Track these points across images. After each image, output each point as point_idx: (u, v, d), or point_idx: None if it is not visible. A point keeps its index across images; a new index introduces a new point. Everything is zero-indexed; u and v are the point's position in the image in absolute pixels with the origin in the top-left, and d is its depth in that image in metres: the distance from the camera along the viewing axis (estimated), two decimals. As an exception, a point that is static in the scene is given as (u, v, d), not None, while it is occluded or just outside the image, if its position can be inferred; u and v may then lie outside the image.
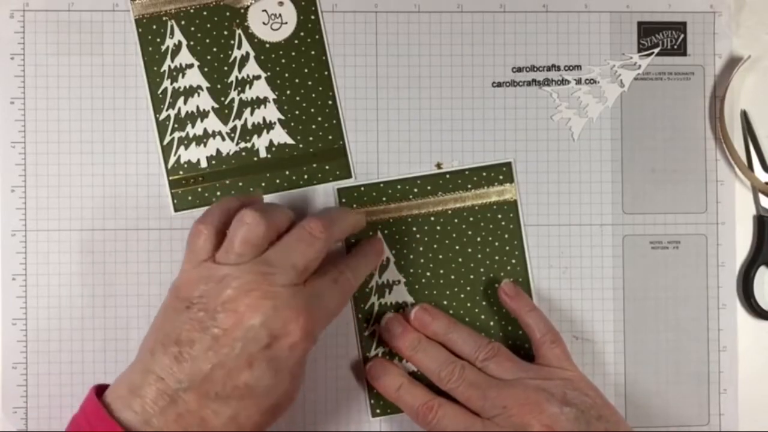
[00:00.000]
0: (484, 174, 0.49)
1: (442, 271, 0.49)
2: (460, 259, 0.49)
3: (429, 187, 0.49)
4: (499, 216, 0.49)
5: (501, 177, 0.49)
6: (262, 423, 0.38)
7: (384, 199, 0.49)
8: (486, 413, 0.43)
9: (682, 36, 0.50)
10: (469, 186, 0.49)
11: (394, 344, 0.47)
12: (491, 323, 0.49)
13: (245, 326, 0.36)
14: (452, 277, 0.49)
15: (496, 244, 0.49)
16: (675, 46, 0.50)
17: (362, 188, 0.49)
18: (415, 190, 0.49)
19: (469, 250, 0.49)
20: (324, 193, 0.49)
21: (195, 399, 0.36)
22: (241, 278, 0.37)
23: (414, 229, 0.49)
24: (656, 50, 0.50)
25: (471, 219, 0.49)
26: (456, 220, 0.49)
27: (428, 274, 0.49)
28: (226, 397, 0.36)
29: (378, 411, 0.49)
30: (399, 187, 0.49)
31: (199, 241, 0.39)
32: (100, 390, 0.38)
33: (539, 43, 0.50)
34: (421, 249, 0.49)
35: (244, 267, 0.38)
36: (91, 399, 0.37)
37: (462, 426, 0.42)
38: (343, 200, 0.49)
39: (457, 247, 0.49)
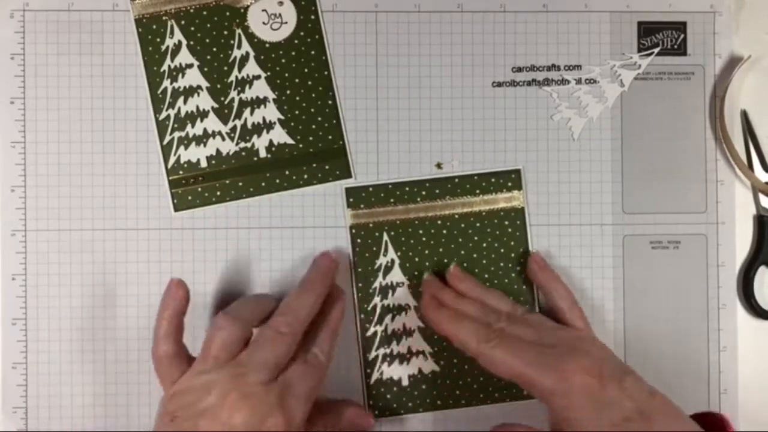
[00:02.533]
0: (493, 180, 0.49)
1: (446, 276, 0.49)
2: (464, 264, 0.49)
3: (437, 191, 0.49)
4: (506, 222, 0.49)
5: (510, 184, 0.49)
6: None
7: (391, 200, 0.49)
8: (543, 342, 0.43)
9: (682, 36, 0.50)
10: (478, 191, 0.49)
11: (438, 295, 0.46)
12: (491, 323, 0.49)
13: (227, 427, 0.38)
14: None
15: (502, 250, 0.49)
16: (675, 46, 0.50)
17: (370, 189, 0.49)
18: (423, 192, 0.49)
19: (475, 255, 0.49)
20: (325, 193, 0.49)
21: None
22: (218, 383, 0.40)
23: (420, 231, 0.49)
24: (656, 50, 0.50)
25: (478, 224, 0.49)
26: (462, 225, 0.49)
27: (430, 275, 0.49)
28: None
29: (377, 413, 0.49)
30: (407, 189, 0.49)
31: (165, 365, 0.42)
32: None
33: (539, 43, 0.50)
34: (426, 252, 0.49)
35: (221, 371, 0.40)
36: None
37: (521, 347, 0.42)
38: (351, 199, 0.49)
39: (462, 252, 0.49)
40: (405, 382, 0.49)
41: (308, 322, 0.44)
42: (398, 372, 0.49)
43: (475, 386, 0.49)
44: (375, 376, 0.49)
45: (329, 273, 0.46)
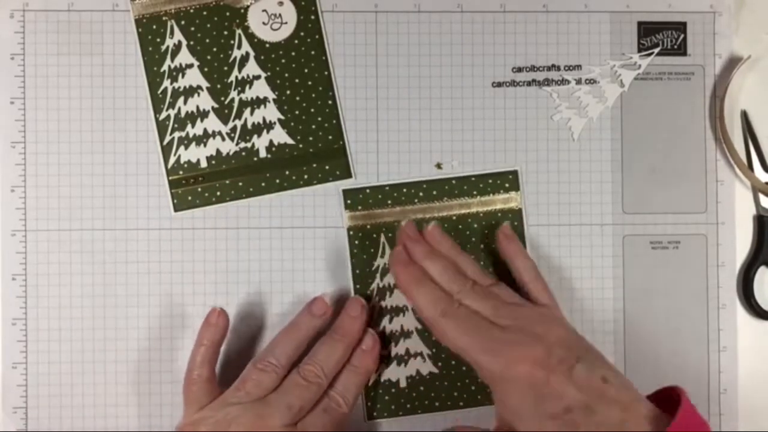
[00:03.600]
0: (490, 181, 0.49)
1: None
2: (460, 261, 0.49)
3: (434, 192, 0.49)
4: (504, 224, 0.49)
5: (507, 185, 0.49)
6: None
7: (389, 202, 0.49)
8: (497, 322, 0.42)
9: (682, 36, 0.50)
10: (475, 192, 0.49)
11: (410, 247, 0.45)
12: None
13: None
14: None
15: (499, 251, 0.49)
16: (675, 46, 0.50)
17: (367, 190, 0.49)
18: (420, 194, 0.49)
19: (472, 256, 0.49)
20: (325, 193, 0.49)
21: None
22: (241, 418, 0.42)
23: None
24: (656, 50, 0.50)
25: (475, 225, 0.49)
26: (460, 226, 0.49)
27: (428, 274, 0.49)
28: None
29: (375, 414, 0.49)
30: (404, 190, 0.49)
31: (194, 392, 0.44)
32: None
33: (539, 43, 0.50)
34: None
35: (247, 406, 0.42)
36: None
37: (474, 325, 0.41)
38: (348, 201, 0.49)
39: None
40: (403, 384, 0.49)
41: (337, 371, 0.45)
42: (396, 374, 0.49)
43: (473, 388, 0.49)
44: (373, 377, 0.49)
45: (359, 320, 0.46)
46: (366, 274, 0.49)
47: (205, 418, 0.43)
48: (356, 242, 0.48)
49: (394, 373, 0.49)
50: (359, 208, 0.49)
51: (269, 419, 0.42)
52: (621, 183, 0.50)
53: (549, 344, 0.40)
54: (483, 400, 0.49)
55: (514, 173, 0.49)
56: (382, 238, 0.48)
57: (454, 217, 0.49)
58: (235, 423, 0.42)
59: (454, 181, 0.49)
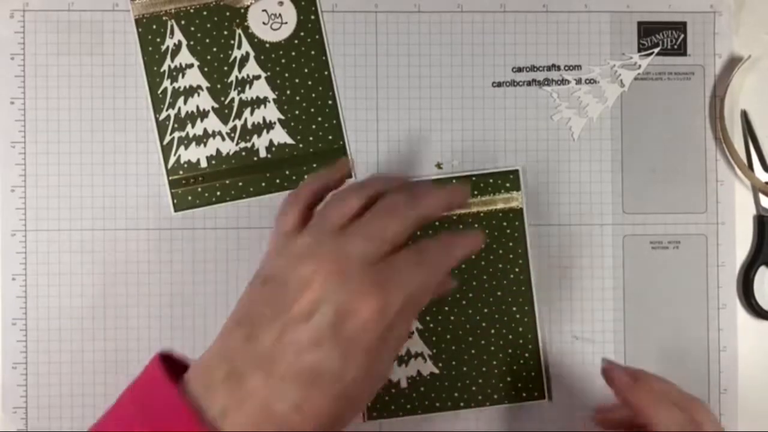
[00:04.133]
0: (491, 181, 0.49)
1: None
2: (463, 266, 0.49)
3: None
4: (505, 223, 0.49)
5: (508, 185, 0.49)
6: (331, 417, 0.34)
7: (385, 199, 0.49)
8: None
9: (682, 36, 0.50)
10: (476, 192, 0.49)
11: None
12: (492, 330, 0.49)
13: (314, 302, 0.33)
14: (454, 282, 0.49)
15: (500, 251, 0.49)
16: (675, 46, 0.50)
17: (363, 188, 0.49)
18: None
19: (473, 256, 0.49)
20: (324, 193, 0.49)
21: (261, 379, 0.33)
22: (318, 253, 0.35)
23: (418, 233, 0.49)
24: (656, 50, 0.50)
25: (476, 225, 0.49)
26: (461, 226, 0.49)
27: (428, 274, 0.49)
28: (291, 380, 0.33)
29: (375, 414, 0.49)
30: None
31: (286, 217, 0.38)
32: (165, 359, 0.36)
33: (539, 43, 0.50)
34: None
35: (324, 241, 0.35)
36: (156, 367, 0.36)
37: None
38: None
39: None
40: (403, 384, 0.49)
41: (430, 218, 0.37)
42: (397, 374, 0.49)
43: (473, 388, 0.49)
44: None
45: (462, 203, 0.40)
46: (366, 274, 0.49)
47: (273, 255, 0.37)
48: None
49: (394, 373, 0.49)
50: (359, 208, 0.49)
51: (348, 250, 0.34)
52: (621, 183, 0.50)
53: None
54: (483, 400, 0.49)
55: (515, 173, 0.49)
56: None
57: (455, 217, 0.49)
58: (310, 259, 0.34)
59: (454, 181, 0.49)
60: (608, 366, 0.41)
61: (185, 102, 0.48)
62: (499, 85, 0.49)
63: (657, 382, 0.40)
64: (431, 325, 0.49)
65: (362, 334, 0.33)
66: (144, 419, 0.34)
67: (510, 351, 0.48)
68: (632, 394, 0.39)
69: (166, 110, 0.48)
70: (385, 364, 0.35)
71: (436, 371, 0.49)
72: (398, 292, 0.34)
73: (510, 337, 0.49)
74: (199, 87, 0.49)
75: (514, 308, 0.49)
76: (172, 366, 0.36)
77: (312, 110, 0.49)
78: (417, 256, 0.36)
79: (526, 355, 0.49)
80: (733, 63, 0.50)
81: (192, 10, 0.49)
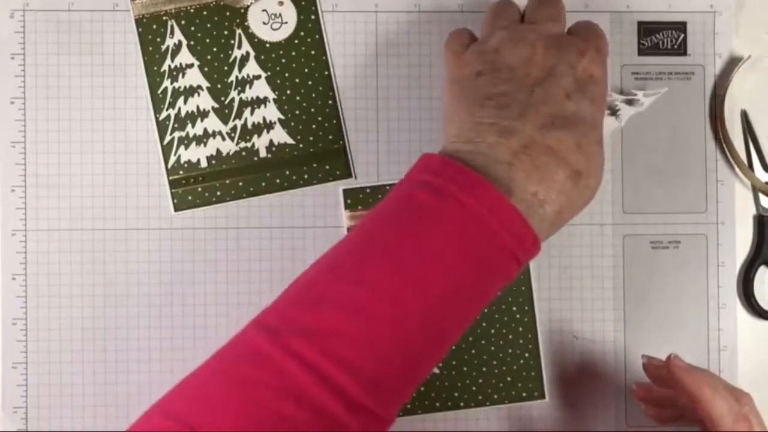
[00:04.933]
0: (486, 175, 0.49)
1: None
2: (460, 260, 0.49)
3: None
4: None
5: None
6: (598, 155, 0.39)
7: (385, 199, 0.49)
8: None
9: (682, 36, 0.50)
10: None
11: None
12: (492, 330, 0.49)
13: (548, 68, 0.39)
14: None
15: None
16: (675, 46, 0.50)
17: (367, 190, 0.49)
18: None
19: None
20: (325, 193, 0.49)
21: (533, 129, 0.38)
22: (524, 36, 0.41)
23: None
24: (656, 50, 0.50)
25: None
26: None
27: (428, 274, 0.49)
28: (561, 126, 0.38)
29: (378, 411, 0.49)
30: None
31: (461, 33, 0.44)
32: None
33: (539, 43, 0.49)
34: None
35: (519, 29, 0.42)
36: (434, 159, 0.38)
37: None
38: (348, 201, 0.49)
39: None
40: (405, 382, 0.49)
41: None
42: (398, 372, 0.49)
43: (473, 388, 0.49)
44: None
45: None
46: (366, 274, 0.49)
47: (468, 56, 0.42)
48: None
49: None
50: (359, 208, 0.49)
51: (542, 28, 0.41)
52: (621, 183, 0.50)
53: None
54: (483, 400, 0.49)
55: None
56: None
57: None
58: (516, 38, 0.40)
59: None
60: (653, 362, 0.43)
61: (185, 102, 0.48)
62: (499, 85, 0.49)
63: (709, 372, 0.43)
64: (431, 325, 0.49)
65: (595, 87, 0.40)
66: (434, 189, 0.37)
67: (510, 351, 0.48)
68: (691, 377, 0.39)
69: (166, 110, 0.48)
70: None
71: (437, 371, 0.49)
72: (603, 49, 0.42)
73: (510, 337, 0.49)
74: (199, 87, 0.49)
75: (514, 308, 0.49)
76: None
77: (312, 110, 0.49)
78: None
79: (526, 355, 0.49)
80: (733, 63, 0.50)
81: (192, 10, 0.49)
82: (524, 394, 0.49)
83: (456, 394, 0.49)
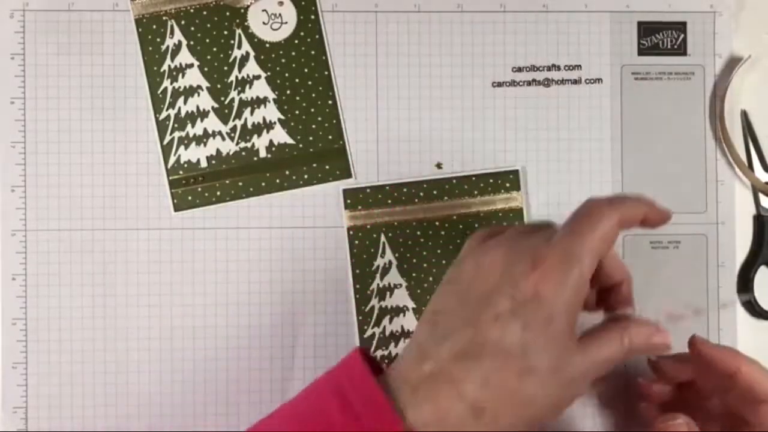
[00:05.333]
0: (491, 181, 0.49)
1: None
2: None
3: (435, 192, 0.49)
4: (505, 223, 0.49)
5: (508, 184, 0.49)
6: (518, 392, 0.33)
7: (389, 201, 0.49)
8: None
9: (682, 36, 0.50)
10: (476, 192, 0.49)
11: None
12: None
13: (486, 274, 0.35)
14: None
15: None
16: (675, 46, 0.50)
17: (367, 190, 0.49)
18: (421, 194, 0.49)
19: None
20: (325, 193, 0.49)
21: (448, 355, 0.34)
22: (497, 246, 0.36)
23: (418, 233, 0.49)
24: (656, 50, 0.50)
25: (476, 225, 0.49)
26: (461, 226, 0.49)
27: (431, 279, 0.49)
28: (474, 356, 0.33)
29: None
30: (405, 190, 0.49)
31: (481, 232, 0.39)
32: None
33: (539, 43, 0.50)
34: (424, 254, 0.49)
35: (504, 238, 0.37)
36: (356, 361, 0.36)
37: None
38: (348, 201, 0.49)
39: None
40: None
41: (626, 222, 0.36)
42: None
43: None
44: None
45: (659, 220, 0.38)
46: (366, 274, 0.49)
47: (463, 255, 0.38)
48: (356, 242, 0.48)
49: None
50: (359, 208, 0.49)
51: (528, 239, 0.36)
52: (621, 183, 0.50)
53: None
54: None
55: (515, 173, 0.49)
56: (382, 238, 0.48)
57: (455, 217, 0.49)
58: (465, 255, 0.37)
59: (454, 181, 0.49)
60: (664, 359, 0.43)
61: (185, 102, 0.48)
62: (499, 85, 0.49)
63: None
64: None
65: (536, 309, 0.33)
66: (342, 406, 0.34)
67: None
68: (722, 351, 0.39)
69: (166, 110, 0.48)
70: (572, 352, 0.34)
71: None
72: (570, 269, 0.34)
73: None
74: (199, 87, 0.49)
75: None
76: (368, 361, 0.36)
77: (312, 110, 0.49)
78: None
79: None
80: (733, 63, 0.50)
81: (192, 10, 0.49)
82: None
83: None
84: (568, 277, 0.33)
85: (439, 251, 0.49)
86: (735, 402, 0.39)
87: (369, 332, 0.49)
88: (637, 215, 0.36)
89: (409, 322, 0.49)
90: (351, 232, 0.49)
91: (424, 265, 0.49)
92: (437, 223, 0.49)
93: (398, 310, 0.49)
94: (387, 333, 0.49)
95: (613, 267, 0.39)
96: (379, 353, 0.49)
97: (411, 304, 0.49)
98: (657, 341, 0.37)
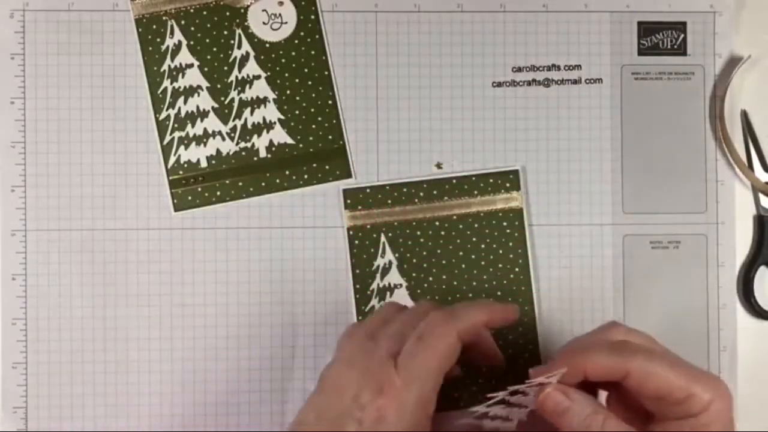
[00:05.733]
0: (491, 181, 0.49)
1: (444, 277, 0.49)
2: (463, 265, 0.49)
3: (435, 192, 0.49)
4: (505, 223, 0.49)
5: (508, 184, 0.49)
6: None
7: (389, 201, 0.49)
8: None
9: (682, 36, 0.50)
10: (476, 192, 0.49)
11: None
12: (491, 331, 0.49)
13: (338, 397, 0.37)
14: (455, 283, 0.49)
15: (501, 251, 0.49)
16: (675, 46, 0.50)
17: (367, 190, 0.49)
18: (421, 194, 0.49)
19: (473, 256, 0.49)
20: (325, 193, 0.49)
21: None
22: (347, 356, 0.39)
23: (418, 233, 0.49)
24: (656, 50, 0.50)
25: (476, 225, 0.49)
26: (461, 226, 0.49)
27: (430, 279, 0.49)
28: None
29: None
30: (404, 190, 0.49)
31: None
32: None
33: (539, 43, 0.50)
34: (424, 254, 0.49)
35: (357, 348, 0.39)
36: None
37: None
38: (348, 201, 0.49)
39: (460, 253, 0.49)
40: (405, 382, 0.49)
41: (470, 332, 0.38)
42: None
43: (474, 388, 0.49)
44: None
45: (507, 321, 0.41)
46: (366, 274, 0.49)
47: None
48: (356, 242, 0.48)
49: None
50: (359, 208, 0.49)
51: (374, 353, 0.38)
52: (621, 183, 0.50)
53: None
54: (483, 400, 0.49)
55: (515, 173, 0.49)
56: (382, 238, 0.48)
57: (455, 217, 0.49)
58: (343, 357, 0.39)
59: (454, 181, 0.49)
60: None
61: (185, 102, 0.48)
62: (499, 85, 0.49)
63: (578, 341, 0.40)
64: (431, 325, 0.49)
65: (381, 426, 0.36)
66: None
67: (510, 351, 0.48)
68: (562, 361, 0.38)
69: (166, 110, 0.48)
70: None
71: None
72: (412, 392, 0.36)
73: (510, 337, 0.49)
74: (199, 87, 0.49)
75: (514, 308, 0.49)
76: None
77: (312, 110, 0.49)
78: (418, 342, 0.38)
79: (526, 355, 0.48)
80: (733, 63, 0.50)
81: (192, 10, 0.49)
82: (524, 394, 0.49)
83: (456, 395, 0.49)
84: (410, 399, 0.36)
85: (439, 251, 0.49)
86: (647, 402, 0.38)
87: (369, 332, 0.49)
88: (477, 325, 0.38)
89: (409, 322, 0.49)
90: (351, 232, 0.49)
91: (424, 265, 0.49)
92: (437, 223, 0.49)
93: (398, 310, 0.49)
94: (387, 333, 0.49)
95: (487, 351, 0.43)
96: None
97: (411, 304, 0.49)
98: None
